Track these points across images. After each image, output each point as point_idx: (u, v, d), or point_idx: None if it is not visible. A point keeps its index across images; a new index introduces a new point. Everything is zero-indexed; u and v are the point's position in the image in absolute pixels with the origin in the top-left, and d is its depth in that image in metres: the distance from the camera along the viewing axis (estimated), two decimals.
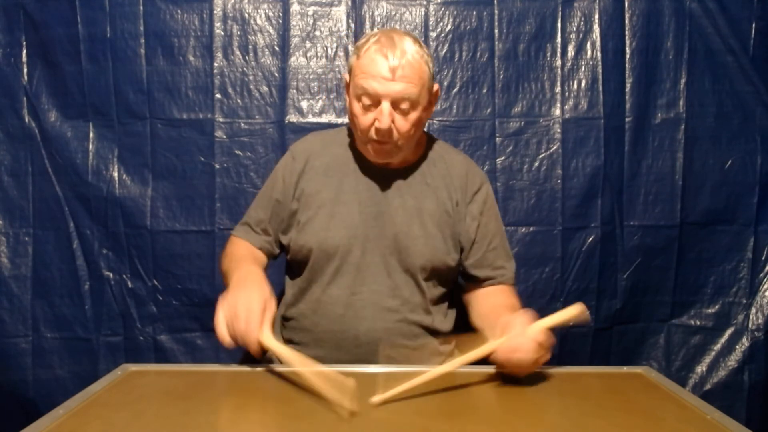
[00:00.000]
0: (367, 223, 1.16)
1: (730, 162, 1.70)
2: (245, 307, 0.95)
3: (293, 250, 1.21)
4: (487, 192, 1.25)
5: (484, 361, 1.04)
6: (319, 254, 1.16)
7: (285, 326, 1.26)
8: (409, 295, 1.16)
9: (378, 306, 1.14)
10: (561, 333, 1.68)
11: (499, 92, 1.67)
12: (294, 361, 0.96)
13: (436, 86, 1.17)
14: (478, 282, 1.22)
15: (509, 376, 0.99)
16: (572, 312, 0.97)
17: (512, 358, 0.94)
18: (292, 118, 1.67)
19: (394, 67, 1.06)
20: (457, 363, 1.07)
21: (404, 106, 1.08)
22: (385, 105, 1.07)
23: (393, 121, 1.08)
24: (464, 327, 1.30)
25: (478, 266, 1.22)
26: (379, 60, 1.07)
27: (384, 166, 1.20)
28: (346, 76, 1.17)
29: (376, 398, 0.89)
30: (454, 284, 1.27)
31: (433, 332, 1.19)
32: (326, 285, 1.17)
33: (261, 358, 1.24)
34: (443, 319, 1.22)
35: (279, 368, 1.05)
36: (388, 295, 1.15)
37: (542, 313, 1.00)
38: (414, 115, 1.10)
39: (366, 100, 1.09)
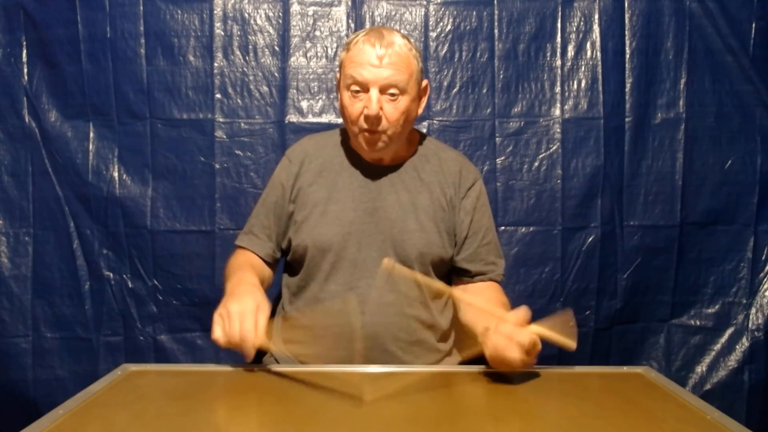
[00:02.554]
0: (362, 219, 1.18)
1: (730, 162, 1.70)
2: (238, 312, 0.96)
3: (291, 250, 1.22)
4: (480, 188, 1.26)
5: (481, 360, 1.04)
6: (314, 251, 1.17)
7: (284, 326, 1.27)
8: (406, 289, 1.17)
9: (375, 300, 1.14)
10: None
11: (499, 92, 1.67)
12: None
13: (425, 81, 1.19)
14: (469, 276, 1.23)
15: (506, 375, 0.99)
16: (564, 341, 0.97)
17: (504, 356, 0.94)
18: (292, 118, 1.67)
19: (382, 54, 1.09)
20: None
21: (392, 92, 1.10)
22: (374, 91, 1.10)
23: (381, 108, 1.10)
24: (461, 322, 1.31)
25: (471, 260, 1.22)
26: (367, 49, 1.10)
27: (377, 163, 1.21)
28: (337, 74, 1.19)
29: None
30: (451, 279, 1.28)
31: (431, 326, 1.20)
32: (323, 281, 1.18)
33: (259, 358, 1.24)
34: (441, 313, 1.23)
35: (279, 368, 1.05)
36: (385, 289, 1.15)
37: (541, 313, 1.00)
38: (402, 104, 1.12)
39: (355, 88, 1.11)
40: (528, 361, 0.94)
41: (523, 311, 0.97)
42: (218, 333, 0.98)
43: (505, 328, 0.95)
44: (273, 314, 1.35)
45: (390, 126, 1.13)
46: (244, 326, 0.95)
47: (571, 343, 0.96)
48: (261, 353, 1.34)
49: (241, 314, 0.96)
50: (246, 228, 1.31)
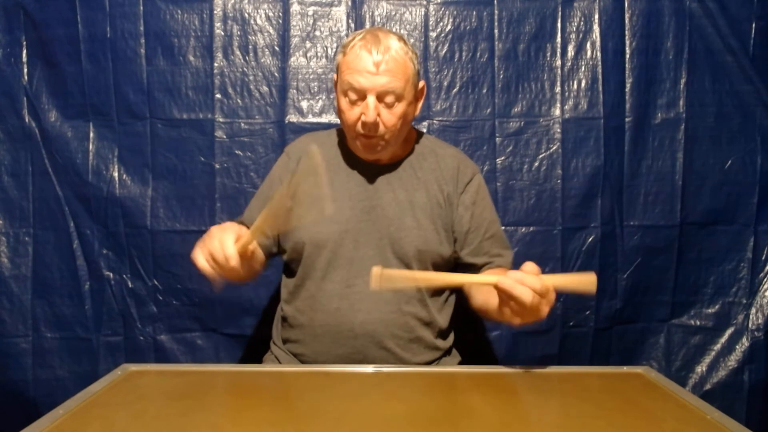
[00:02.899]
0: (359, 218, 1.18)
1: (730, 162, 1.70)
2: (218, 233, 0.95)
3: (289, 248, 1.23)
4: (479, 183, 1.27)
5: (482, 360, 1.04)
6: (310, 249, 1.18)
7: (283, 326, 1.27)
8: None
9: (373, 297, 1.15)
10: (561, 333, 1.68)
11: (499, 92, 1.67)
12: (262, 219, 0.95)
13: (422, 83, 1.19)
14: (476, 269, 1.23)
15: (506, 375, 0.99)
16: (582, 282, 0.95)
17: (513, 292, 0.91)
18: (292, 118, 1.67)
19: (378, 61, 1.09)
20: (463, 279, 1.09)
21: (389, 99, 1.11)
22: (371, 99, 1.10)
23: (379, 115, 1.11)
24: (461, 321, 1.31)
25: (475, 254, 1.23)
26: (364, 55, 1.10)
27: (374, 162, 1.22)
28: (334, 76, 1.19)
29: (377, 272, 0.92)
30: None
31: (429, 324, 1.20)
32: (320, 280, 1.18)
33: (258, 358, 1.25)
34: (439, 311, 1.23)
35: (279, 368, 1.05)
36: None
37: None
38: (399, 109, 1.12)
39: (352, 95, 1.12)
40: (538, 308, 0.92)
41: (532, 265, 0.95)
42: (198, 255, 0.95)
43: (517, 272, 0.93)
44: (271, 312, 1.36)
45: (387, 131, 1.13)
46: (224, 241, 0.92)
47: (588, 286, 0.94)
48: (260, 350, 1.35)
49: (221, 231, 0.94)
50: (240, 219, 1.31)
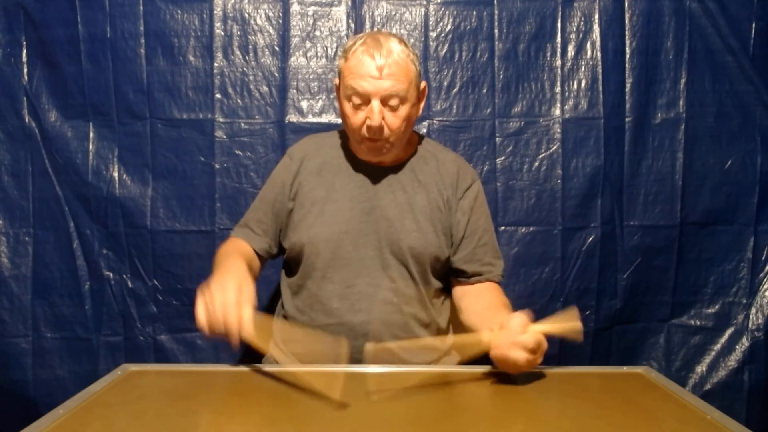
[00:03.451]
0: (359, 219, 1.19)
1: (730, 162, 1.70)
2: (221, 300, 0.94)
3: (288, 248, 1.23)
4: (477, 189, 1.27)
5: (482, 360, 1.05)
6: (310, 250, 1.19)
7: (283, 325, 1.27)
8: (403, 288, 1.18)
9: (373, 298, 1.15)
10: None
11: (499, 92, 1.67)
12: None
13: (423, 83, 1.20)
14: (465, 277, 1.24)
15: (506, 375, 0.99)
16: (569, 327, 0.97)
17: (508, 357, 0.94)
18: (292, 118, 1.67)
19: (381, 65, 1.09)
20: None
21: (393, 102, 1.11)
22: (375, 103, 1.10)
23: (383, 118, 1.11)
24: (460, 322, 1.31)
25: (467, 261, 1.23)
26: (367, 60, 1.10)
27: (376, 164, 1.22)
28: (336, 80, 1.19)
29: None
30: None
31: (428, 325, 1.21)
32: (320, 280, 1.19)
33: (258, 358, 1.25)
34: (438, 312, 1.24)
35: (279, 368, 1.05)
36: (383, 287, 1.17)
37: (541, 313, 1.00)
38: (403, 111, 1.13)
39: (356, 100, 1.12)
40: (534, 360, 0.94)
41: (523, 315, 0.97)
42: (202, 323, 0.96)
43: (508, 333, 0.94)
44: (271, 314, 1.36)
45: (392, 134, 1.14)
46: (228, 318, 0.92)
47: (575, 333, 0.96)
48: (256, 351, 1.35)
49: (224, 306, 0.93)
50: (242, 221, 1.32)
